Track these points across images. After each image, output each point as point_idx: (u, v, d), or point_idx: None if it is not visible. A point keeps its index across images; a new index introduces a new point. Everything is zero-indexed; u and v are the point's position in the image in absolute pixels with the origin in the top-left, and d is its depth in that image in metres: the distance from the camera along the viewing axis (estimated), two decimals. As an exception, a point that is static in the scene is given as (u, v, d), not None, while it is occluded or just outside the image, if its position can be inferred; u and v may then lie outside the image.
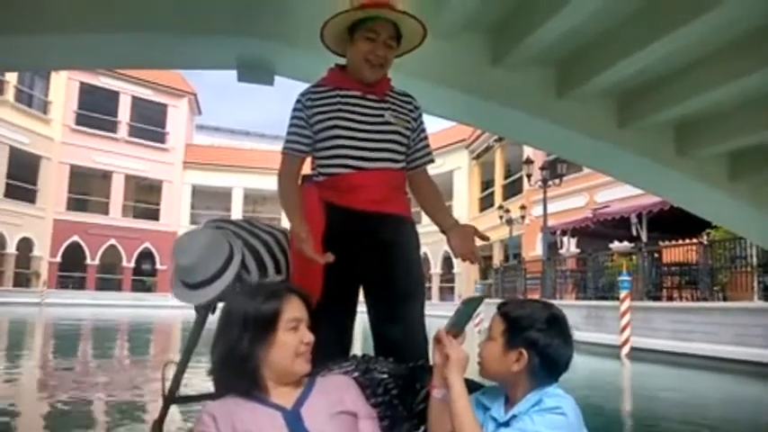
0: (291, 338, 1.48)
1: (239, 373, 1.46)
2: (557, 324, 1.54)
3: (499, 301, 1.86)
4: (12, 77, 28.42)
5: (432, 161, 2.35)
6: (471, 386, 1.58)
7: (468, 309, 1.58)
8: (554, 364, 1.52)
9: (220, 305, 2.50)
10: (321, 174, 2.17)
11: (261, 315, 1.48)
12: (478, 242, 2.15)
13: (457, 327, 1.56)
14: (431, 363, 1.63)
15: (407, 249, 2.20)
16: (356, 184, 2.11)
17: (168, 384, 2.50)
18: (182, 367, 2.61)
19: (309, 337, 1.52)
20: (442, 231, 2.18)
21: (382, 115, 2.17)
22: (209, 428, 1.39)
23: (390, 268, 2.13)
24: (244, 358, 1.45)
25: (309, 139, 2.17)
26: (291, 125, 2.20)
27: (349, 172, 2.12)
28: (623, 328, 12.04)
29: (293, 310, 1.51)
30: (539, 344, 1.50)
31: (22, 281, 30.44)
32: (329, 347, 1.71)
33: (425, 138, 2.32)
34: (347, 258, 2.06)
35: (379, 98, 2.19)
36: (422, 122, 2.32)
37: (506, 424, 1.50)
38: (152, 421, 2.54)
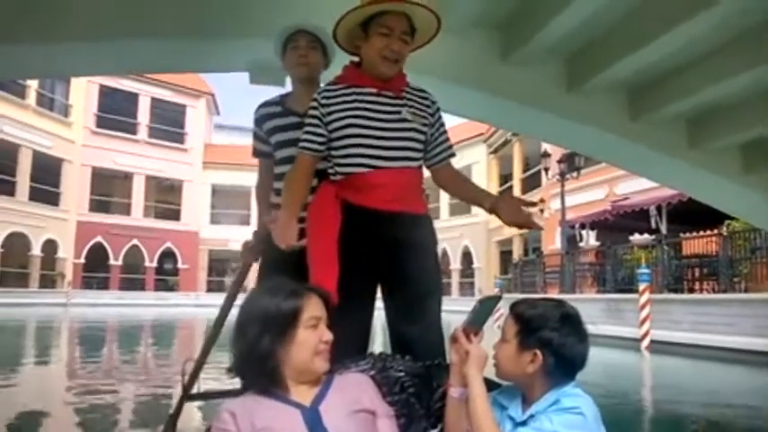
0: (311, 337, 1.50)
1: (259, 371, 1.47)
2: (570, 322, 1.53)
3: (518, 296, 1.87)
4: (33, 82, 28.64)
5: (453, 155, 2.34)
6: (489, 385, 1.58)
7: (486, 308, 1.59)
8: (569, 363, 1.51)
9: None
10: (338, 172, 2.16)
11: (281, 313, 1.49)
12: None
13: (474, 325, 1.56)
14: (448, 361, 1.63)
15: (424, 248, 2.19)
16: (373, 183, 2.10)
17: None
18: (202, 359, 2.62)
19: (329, 335, 1.53)
20: (489, 211, 2.19)
21: (399, 112, 2.15)
22: (227, 425, 1.41)
23: (407, 267, 2.11)
24: (264, 356, 1.46)
25: (324, 138, 2.15)
26: (306, 124, 2.19)
27: (366, 171, 2.10)
28: (643, 321, 11.94)
29: (313, 308, 1.53)
30: (553, 343, 1.49)
31: (48, 282, 30.67)
32: (346, 346, 1.71)
33: (445, 132, 2.31)
34: (364, 257, 2.07)
35: (395, 94, 2.17)
36: (440, 117, 2.30)
37: (524, 423, 1.50)
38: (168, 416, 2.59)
